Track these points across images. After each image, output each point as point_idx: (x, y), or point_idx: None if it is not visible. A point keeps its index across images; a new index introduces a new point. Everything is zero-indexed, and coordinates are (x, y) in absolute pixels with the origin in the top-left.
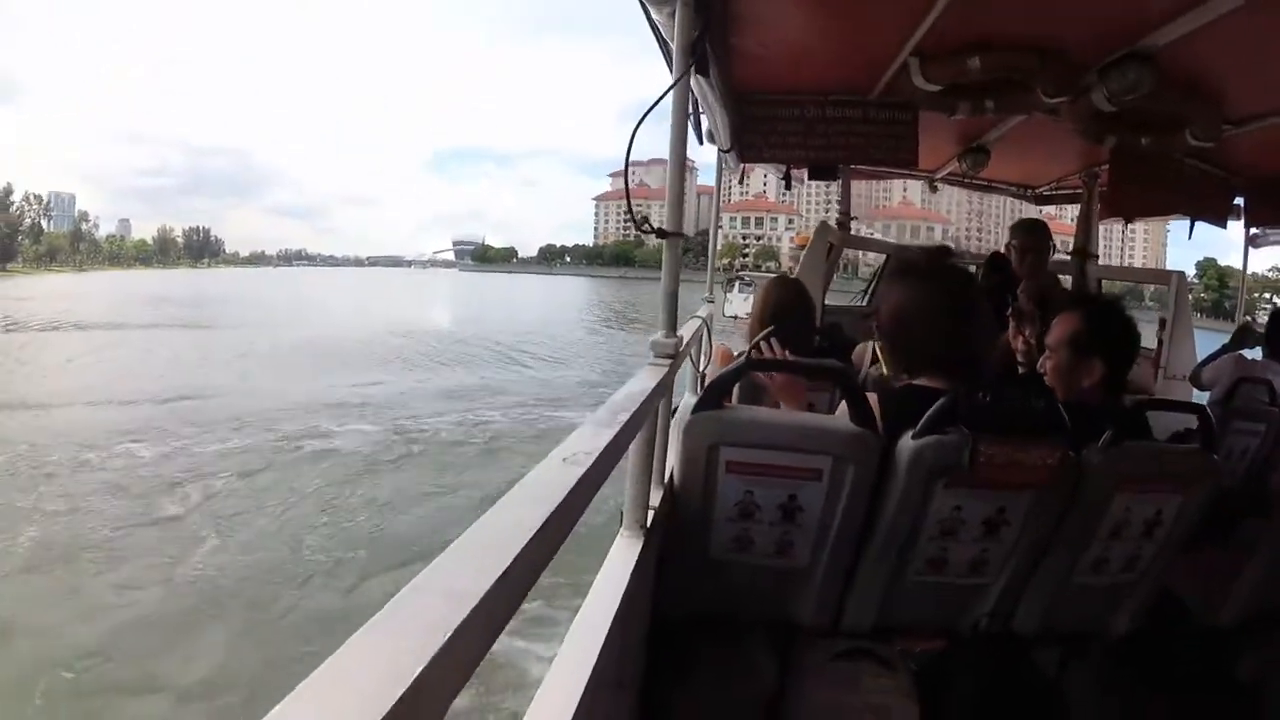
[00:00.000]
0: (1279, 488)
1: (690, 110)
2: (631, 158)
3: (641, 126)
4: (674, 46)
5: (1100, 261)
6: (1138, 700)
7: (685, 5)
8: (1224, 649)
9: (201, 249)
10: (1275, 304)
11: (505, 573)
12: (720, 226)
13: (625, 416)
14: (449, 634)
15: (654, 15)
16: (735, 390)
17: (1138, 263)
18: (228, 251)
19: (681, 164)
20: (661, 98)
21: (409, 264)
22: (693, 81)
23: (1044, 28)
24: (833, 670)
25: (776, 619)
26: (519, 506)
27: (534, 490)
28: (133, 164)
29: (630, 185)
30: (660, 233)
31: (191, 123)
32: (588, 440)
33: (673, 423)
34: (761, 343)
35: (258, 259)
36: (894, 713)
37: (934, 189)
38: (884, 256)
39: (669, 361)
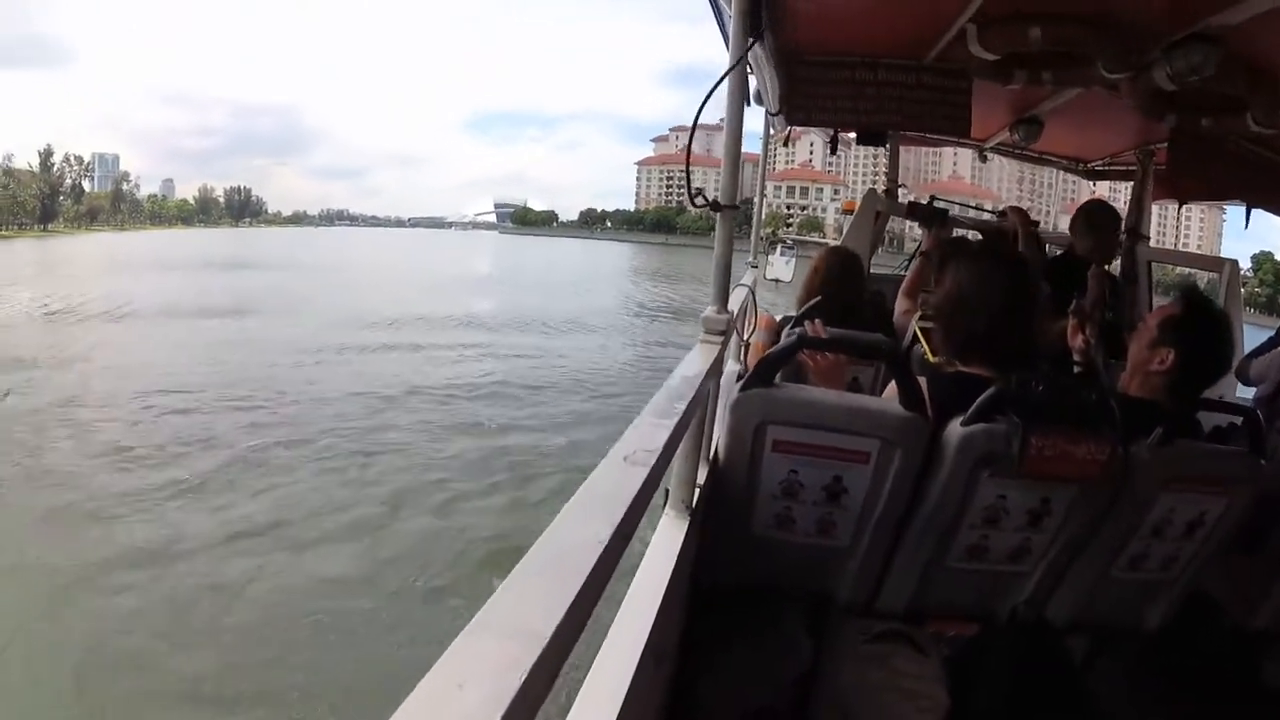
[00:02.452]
0: None
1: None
2: (675, 123)
3: (686, 87)
4: (732, 9)
5: (1155, 244)
6: (1164, 696)
7: None
8: (1254, 651)
9: (243, 208)
10: None
11: (575, 601)
12: (765, 195)
13: (683, 405)
14: (523, 678)
15: None
16: None
17: (1192, 249)
18: (270, 211)
19: (738, 134)
20: (725, 75)
21: (450, 225)
22: (748, 44)
23: (1110, 1)
24: (866, 651)
25: (813, 595)
26: (583, 518)
27: (597, 496)
28: (178, 124)
29: (678, 153)
30: (715, 205)
31: (237, 83)
32: (648, 435)
33: (720, 390)
34: (806, 323)
35: (300, 218)
36: (923, 697)
37: (984, 159)
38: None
39: (720, 339)
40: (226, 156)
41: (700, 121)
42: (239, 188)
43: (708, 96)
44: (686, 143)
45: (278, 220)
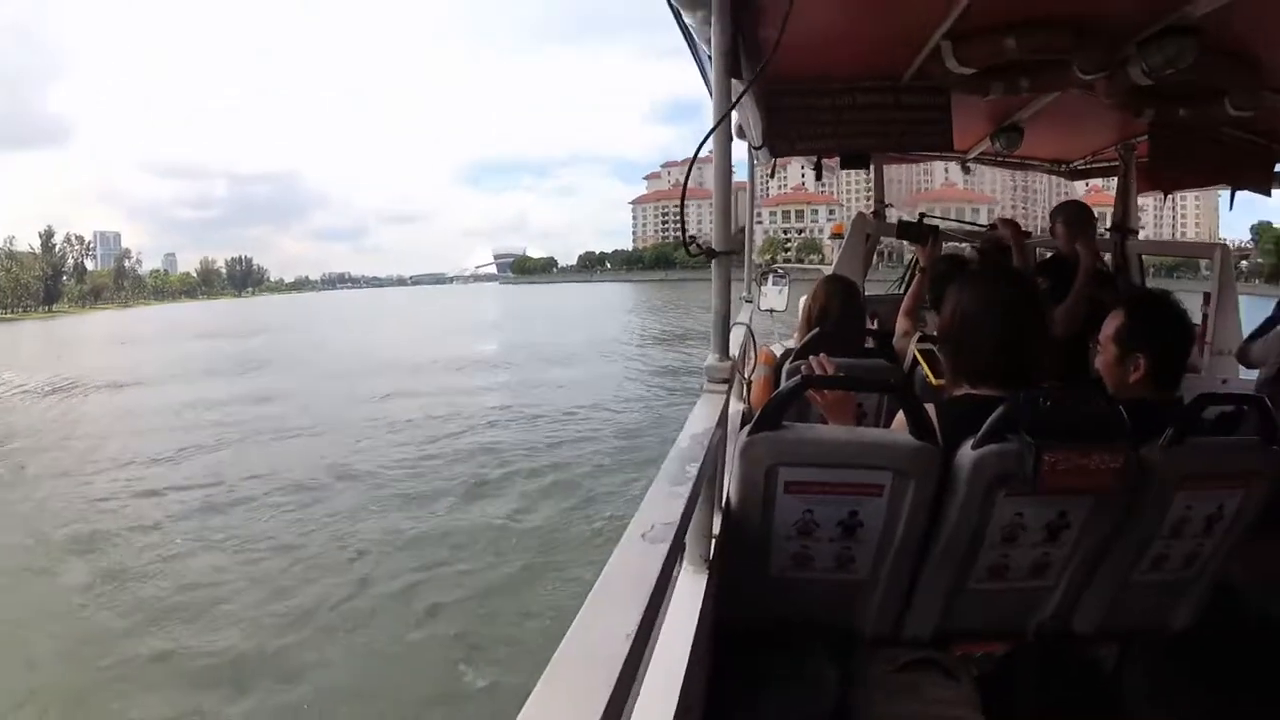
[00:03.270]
0: None
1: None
2: (666, 159)
3: (673, 124)
4: (711, 50)
5: (1152, 234)
6: (1197, 693)
7: (722, 7)
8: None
9: (245, 278)
10: None
11: (608, 707)
12: (760, 222)
13: (695, 468)
14: None
15: (686, 19)
16: None
17: (1190, 233)
18: (271, 279)
19: (727, 179)
20: (717, 126)
21: (451, 280)
22: (730, 84)
23: (1081, 3)
24: (895, 682)
25: (837, 630)
26: (609, 609)
27: (620, 581)
28: (177, 197)
29: (671, 189)
30: (709, 252)
31: (233, 151)
32: (664, 506)
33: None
34: (811, 358)
35: (302, 284)
36: None
37: (967, 171)
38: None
39: (724, 387)
40: (226, 226)
41: (703, 153)
42: (240, 258)
43: (698, 150)
44: (678, 180)
45: (280, 287)
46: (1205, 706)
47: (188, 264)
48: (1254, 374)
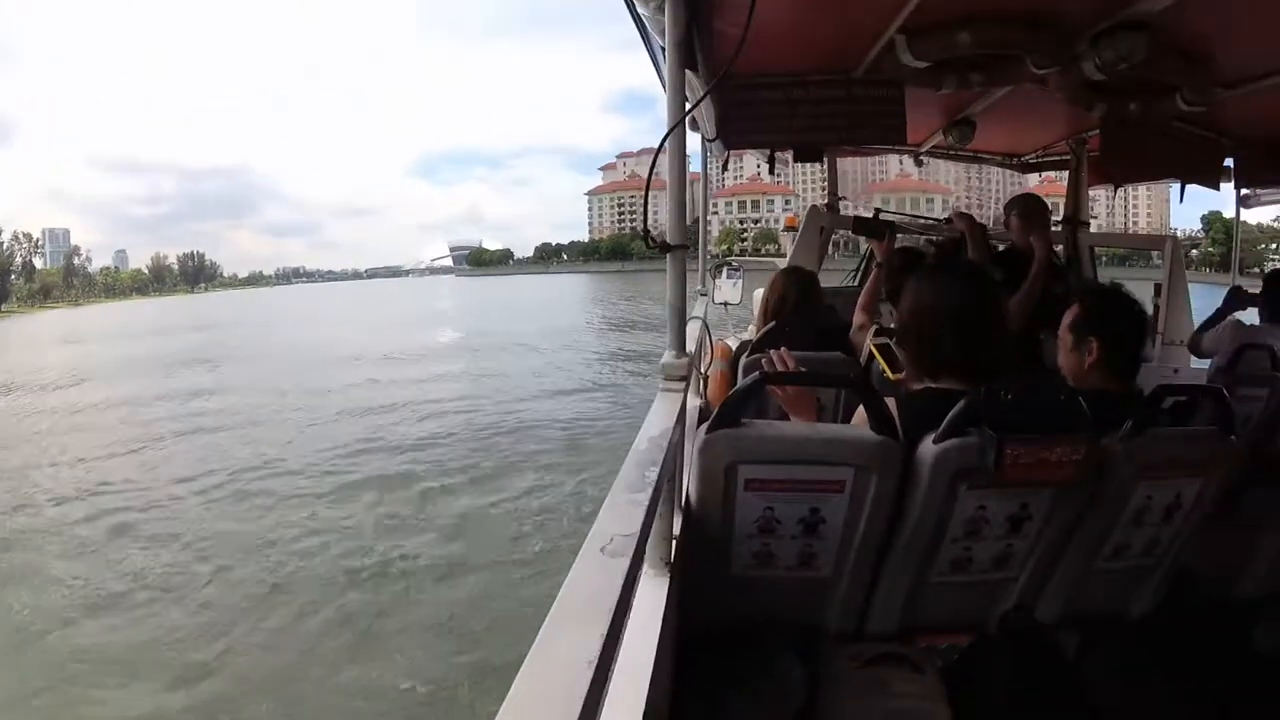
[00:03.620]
0: None
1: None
2: (621, 150)
3: (627, 115)
4: (666, 42)
5: (1105, 224)
6: (1160, 677)
7: None
8: (1243, 621)
9: (197, 274)
10: None
11: None
12: (716, 212)
13: (654, 473)
14: None
15: (640, 9)
16: None
17: (1142, 223)
18: (225, 274)
19: (682, 173)
20: (675, 126)
21: (408, 273)
22: (685, 75)
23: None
24: (861, 677)
25: (802, 627)
26: (569, 632)
27: (580, 601)
28: (127, 193)
29: (627, 180)
30: (664, 246)
31: (182, 147)
32: (623, 516)
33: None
34: (771, 352)
35: (256, 279)
36: (925, 714)
37: (920, 163)
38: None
39: (681, 384)
40: (178, 222)
41: (646, 146)
42: (193, 253)
43: (660, 146)
44: (634, 172)
45: (234, 283)
46: (1167, 691)
47: (139, 261)
48: (1204, 363)
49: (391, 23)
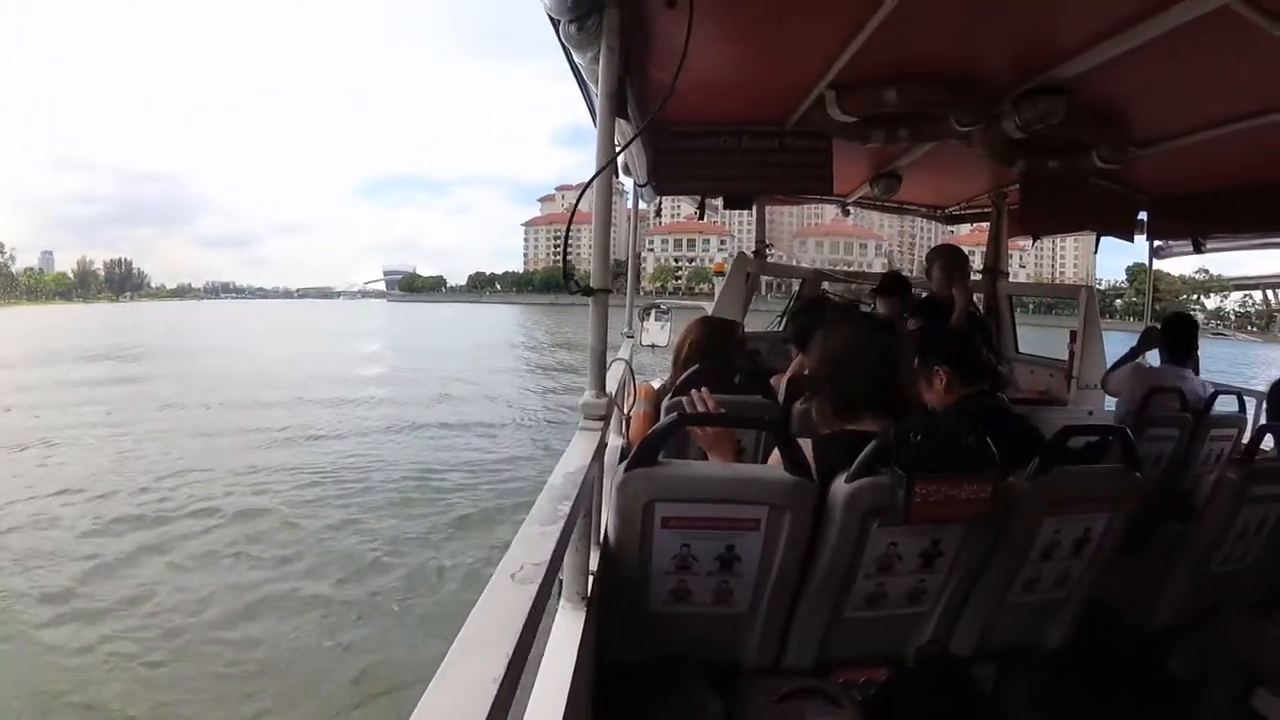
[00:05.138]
0: (1193, 491)
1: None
2: (561, 182)
3: (571, 148)
4: (598, 92)
5: (1033, 272)
6: (1074, 708)
7: (610, 50)
8: (1156, 650)
9: (124, 282)
10: (1203, 304)
11: None
12: (651, 249)
13: (567, 507)
14: None
15: (577, 59)
16: None
17: (1069, 273)
18: (152, 284)
19: (606, 219)
20: (600, 172)
21: (339, 295)
22: (615, 123)
23: (960, 61)
24: (779, 711)
25: (719, 663)
26: (475, 652)
27: (487, 624)
28: (62, 192)
29: (564, 212)
30: (587, 290)
31: (126, 147)
32: (535, 546)
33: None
34: (693, 391)
35: (184, 291)
36: None
37: (847, 213)
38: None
39: (600, 423)
40: (111, 224)
41: (588, 185)
42: (120, 260)
43: (581, 194)
44: (570, 208)
45: (161, 294)
46: (1083, 716)
47: (66, 262)
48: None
49: (350, 42)
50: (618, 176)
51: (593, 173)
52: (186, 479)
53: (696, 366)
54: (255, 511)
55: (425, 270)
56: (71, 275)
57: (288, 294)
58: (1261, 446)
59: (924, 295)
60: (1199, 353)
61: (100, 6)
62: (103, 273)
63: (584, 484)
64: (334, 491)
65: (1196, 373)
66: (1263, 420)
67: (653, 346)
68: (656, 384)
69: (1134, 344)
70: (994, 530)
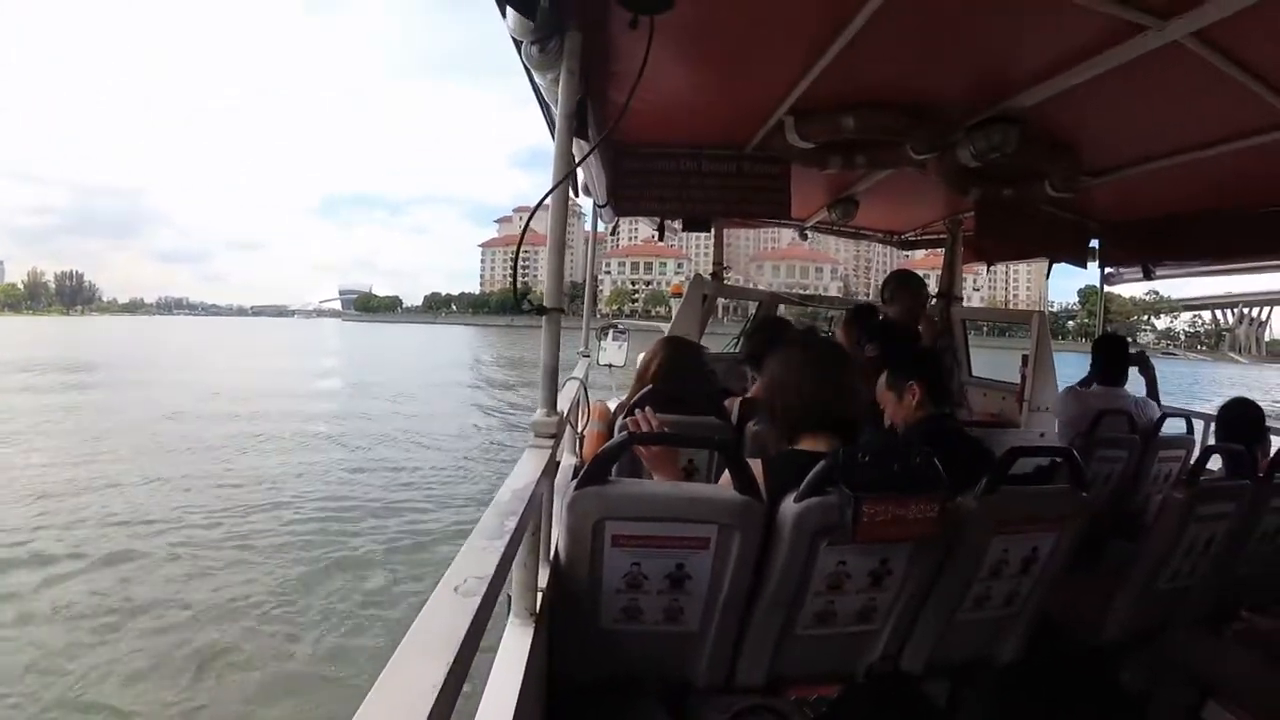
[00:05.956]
0: (1142, 510)
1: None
2: (519, 203)
3: (530, 170)
4: (557, 113)
5: (986, 296)
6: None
7: (570, 72)
8: (1106, 665)
9: (75, 295)
10: (1154, 324)
11: None
12: (609, 271)
13: (513, 522)
14: None
15: (537, 79)
16: None
17: (1022, 296)
18: (104, 298)
19: (561, 239)
20: (555, 187)
21: (294, 313)
22: (574, 144)
23: (916, 90)
24: None
25: (670, 681)
26: (416, 662)
27: (429, 635)
28: (15, 201)
29: (518, 244)
30: (540, 309)
31: (80, 159)
32: (478, 560)
33: (555, 489)
34: (637, 411)
35: (135, 306)
36: None
37: (804, 237)
38: (759, 303)
39: (551, 441)
40: (66, 235)
41: (545, 204)
42: (71, 272)
43: (534, 211)
44: (532, 226)
45: (112, 308)
46: None
47: (17, 273)
48: (1070, 430)
49: (311, 58)
50: (576, 196)
51: (550, 193)
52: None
53: (649, 387)
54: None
55: (382, 290)
56: (21, 286)
57: (241, 311)
58: (1208, 466)
59: (880, 319)
60: (1158, 375)
61: (54, 18)
62: (54, 285)
63: (532, 500)
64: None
65: (1156, 397)
66: (1210, 441)
67: (610, 366)
68: (613, 404)
69: (1088, 373)
70: (942, 549)
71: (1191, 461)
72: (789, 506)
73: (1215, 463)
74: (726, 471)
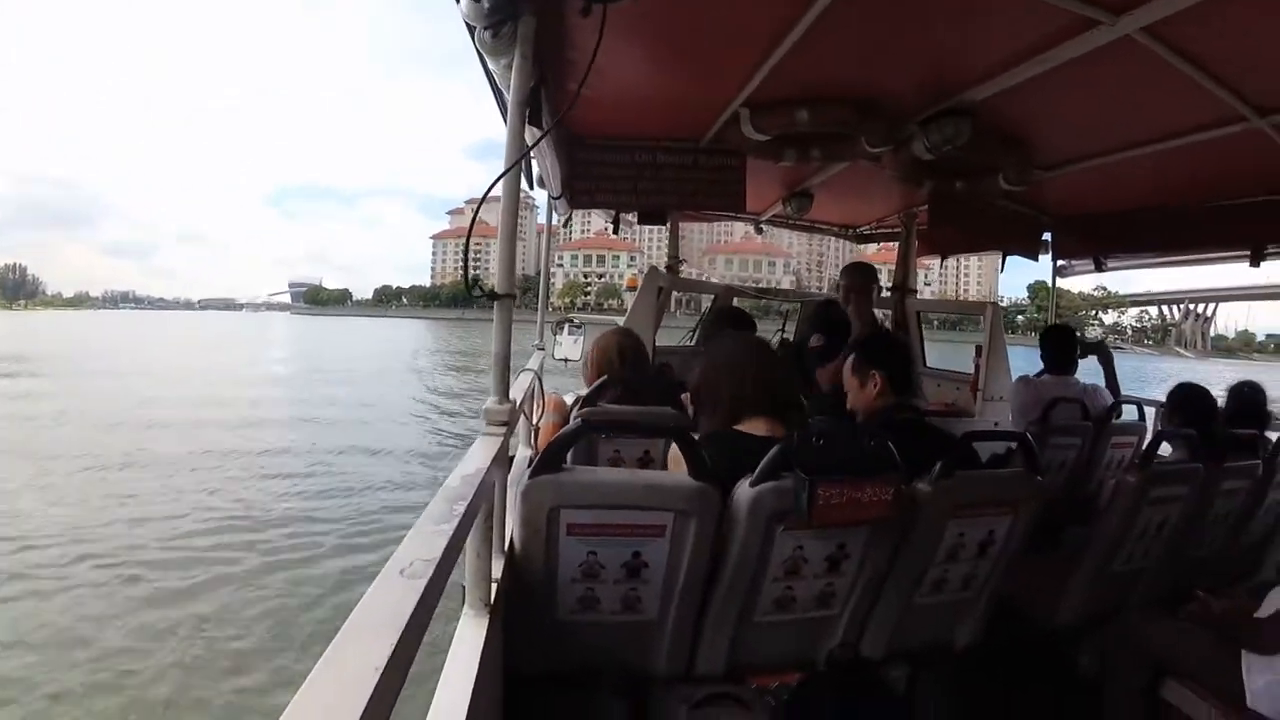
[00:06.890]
0: (1096, 495)
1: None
2: (473, 195)
3: (484, 161)
4: (509, 99)
5: (937, 289)
6: (985, 703)
7: (523, 58)
8: (1063, 648)
9: (17, 289)
10: (1101, 319)
11: None
12: (561, 265)
13: (463, 506)
14: None
15: (491, 65)
16: None
17: (973, 290)
18: (48, 292)
19: (513, 226)
20: (506, 172)
21: (241, 307)
22: (526, 131)
23: (870, 84)
24: (692, 718)
25: (630, 671)
26: (358, 643)
27: (372, 617)
28: None
29: (477, 224)
30: (492, 295)
31: (23, 147)
32: (426, 543)
33: (509, 481)
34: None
35: (80, 300)
36: None
37: (760, 231)
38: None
39: (503, 429)
40: (5, 229)
41: (497, 195)
42: (13, 265)
43: (485, 195)
44: (484, 218)
45: (56, 302)
46: (993, 713)
47: None
48: (1023, 418)
49: (260, 45)
50: (531, 188)
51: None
52: None
53: (606, 377)
54: None
55: (332, 283)
56: None
57: (189, 305)
58: (1159, 452)
59: (822, 310)
60: (1116, 368)
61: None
62: None
63: (482, 486)
64: None
65: (1115, 386)
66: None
67: (565, 360)
68: (569, 397)
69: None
70: (899, 533)
71: (1144, 447)
72: (744, 491)
73: (1166, 448)
74: (672, 452)
